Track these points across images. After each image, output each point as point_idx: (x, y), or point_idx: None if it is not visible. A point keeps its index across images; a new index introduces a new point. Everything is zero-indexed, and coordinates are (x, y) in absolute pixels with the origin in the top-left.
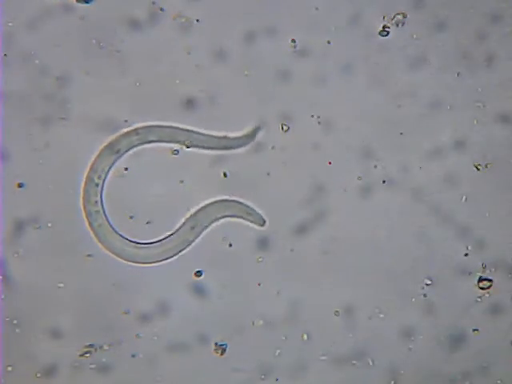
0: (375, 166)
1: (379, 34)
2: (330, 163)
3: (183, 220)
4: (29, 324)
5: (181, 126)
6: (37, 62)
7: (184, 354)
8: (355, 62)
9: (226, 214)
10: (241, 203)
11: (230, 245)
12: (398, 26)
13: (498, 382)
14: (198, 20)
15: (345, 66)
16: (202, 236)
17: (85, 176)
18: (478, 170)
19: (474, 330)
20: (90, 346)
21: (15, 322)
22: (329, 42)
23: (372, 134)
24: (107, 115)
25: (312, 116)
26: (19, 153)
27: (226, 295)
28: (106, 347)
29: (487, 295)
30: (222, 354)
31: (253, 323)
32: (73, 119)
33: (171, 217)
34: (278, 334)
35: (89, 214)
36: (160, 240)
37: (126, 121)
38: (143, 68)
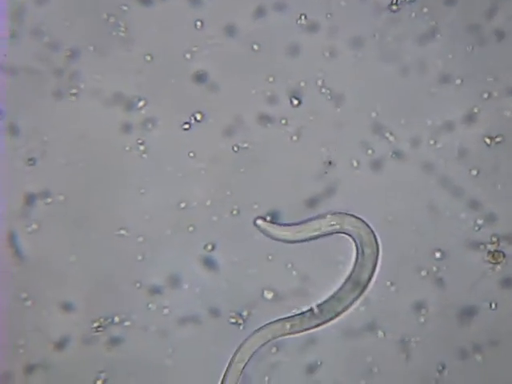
0: (387, 137)
1: (389, 7)
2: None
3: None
4: (40, 297)
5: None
6: (47, 37)
7: (195, 326)
8: (365, 36)
9: None
10: None
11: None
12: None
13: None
14: None
15: (355, 40)
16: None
17: None
18: (489, 143)
19: (485, 303)
20: (102, 319)
21: (26, 295)
22: (338, 16)
23: (382, 108)
24: (118, 90)
25: (322, 90)
26: (30, 128)
27: (237, 268)
28: (117, 320)
29: (498, 268)
30: None
31: (263, 296)
32: (83, 94)
33: (181, 192)
34: (288, 306)
35: None
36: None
37: (136, 97)
38: (154, 42)
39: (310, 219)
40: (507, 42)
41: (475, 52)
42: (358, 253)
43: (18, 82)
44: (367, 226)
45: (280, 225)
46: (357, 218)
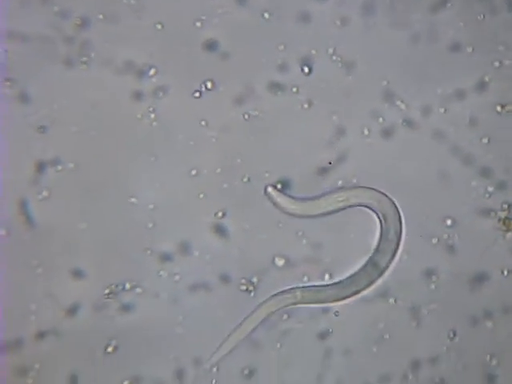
0: (398, 105)
1: None
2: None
3: None
4: (51, 265)
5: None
6: (57, 5)
7: (205, 293)
8: (376, 4)
9: None
10: None
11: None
12: None
13: None
14: None
15: (366, 8)
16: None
17: None
18: (500, 111)
19: (496, 270)
20: (113, 285)
21: (37, 262)
22: None
23: (393, 76)
24: (128, 58)
25: (333, 58)
26: (40, 96)
27: (247, 235)
28: (128, 287)
29: (509, 235)
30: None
31: (274, 263)
32: (94, 63)
33: (191, 159)
34: (299, 273)
35: None
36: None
37: (147, 65)
38: (164, 11)
39: (324, 193)
40: None
41: (486, 20)
42: (381, 227)
43: (28, 50)
44: (389, 199)
45: (292, 197)
46: (378, 191)
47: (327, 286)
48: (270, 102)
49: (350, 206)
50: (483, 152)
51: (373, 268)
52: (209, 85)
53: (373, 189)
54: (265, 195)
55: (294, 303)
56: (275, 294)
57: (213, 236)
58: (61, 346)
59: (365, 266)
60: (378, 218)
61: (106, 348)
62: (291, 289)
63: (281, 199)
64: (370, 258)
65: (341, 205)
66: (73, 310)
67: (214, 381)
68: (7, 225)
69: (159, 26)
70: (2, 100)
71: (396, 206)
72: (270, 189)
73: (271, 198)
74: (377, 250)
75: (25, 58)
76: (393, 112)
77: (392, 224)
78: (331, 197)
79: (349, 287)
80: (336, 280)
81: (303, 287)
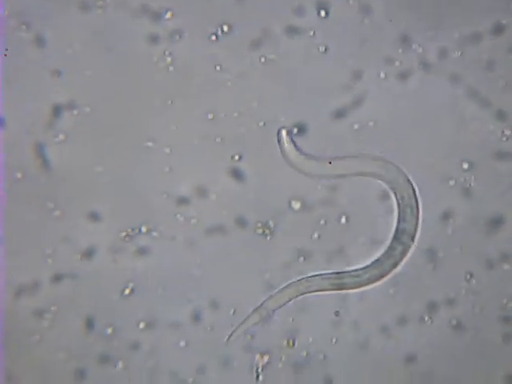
0: (415, 49)
1: None
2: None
3: None
4: (68, 208)
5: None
6: None
7: (222, 236)
8: None
9: None
10: None
11: None
12: None
13: None
14: None
15: None
16: None
17: None
18: None
19: None
20: (129, 229)
21: (53, 205)
22: None
23: (410, 19)
24: (144, 1)
25: (350, 1)
26: (56, 39)
27: (264, 179)
28: (144, 230)
29: None
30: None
31: (290, 206)
32: (110, 6)
33: (208, 103)
34: (316, 216)
35: None
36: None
37: (163, 8)
38: None
39: (334, 157)
40: None
41: None
42: (396, 197)
43: None
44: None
45: (301, 152)
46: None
47: (365, 268)
48: (287, 46)
49: (356, 175)
50: (500, 95)
51: (403, 235)
52: (225, 28)
53: (381, 159)
54: (278, 136)
55: (331, 289)
56: (309, 277)
57: (229, 179)
58: (77, 289)
59: (394, 236)
60: (391, 189)
61: (123, 290)
62: (327, 274)
63: (289, 148)
64: (397, 229)
65: (346, 172)
66: (89, 253)
67: (231, 325)
68: (23, 168)
69: None
70: (18, 44)
71: (405, 174)
72: (283, 132)
73: (281, 142)
74: (399, 218)
75: (40, 1)
76: (409, 55)
77: (404, 191)
78: (340, 162)
79: (386, 263)
80: (371, 262)
81: (339, 273)
